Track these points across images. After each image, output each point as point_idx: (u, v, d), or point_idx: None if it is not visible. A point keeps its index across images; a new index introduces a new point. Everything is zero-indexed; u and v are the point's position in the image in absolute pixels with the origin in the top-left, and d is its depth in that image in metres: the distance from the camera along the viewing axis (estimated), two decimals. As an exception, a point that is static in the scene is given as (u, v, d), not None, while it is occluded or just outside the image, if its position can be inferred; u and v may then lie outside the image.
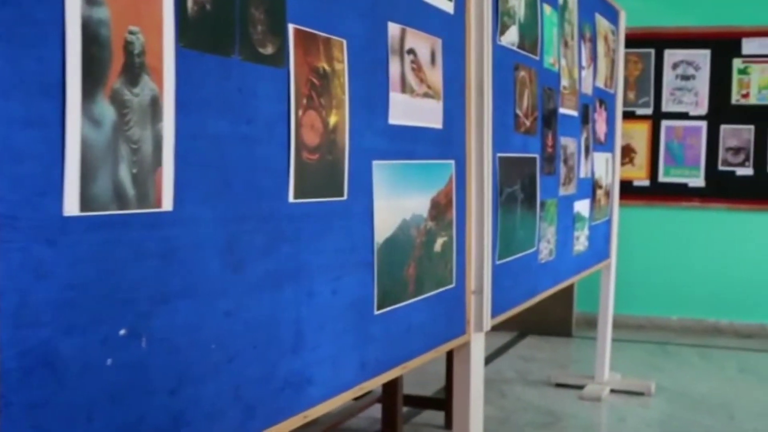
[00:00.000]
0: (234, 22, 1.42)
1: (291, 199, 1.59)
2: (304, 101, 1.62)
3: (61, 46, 1.08)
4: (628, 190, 6.00)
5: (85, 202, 1.13)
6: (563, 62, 3.33)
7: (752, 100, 5.98)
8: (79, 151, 1.11)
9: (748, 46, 5.97)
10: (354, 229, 1.81)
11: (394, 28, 1.95)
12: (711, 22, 6.01)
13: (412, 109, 2.05)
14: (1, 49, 1.00)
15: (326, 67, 1.69)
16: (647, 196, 6.21)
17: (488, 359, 5.19)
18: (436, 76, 2.17)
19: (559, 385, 4.63)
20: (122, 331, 1.20)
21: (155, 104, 1.25)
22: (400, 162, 2.00)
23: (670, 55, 6.12)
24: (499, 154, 2.61)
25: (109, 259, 1.18)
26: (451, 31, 2.26)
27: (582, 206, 3.74)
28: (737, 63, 6.00)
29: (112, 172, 1.17)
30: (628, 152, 6.18)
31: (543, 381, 4.72)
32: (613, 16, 4.26)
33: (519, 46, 2.80)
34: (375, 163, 1.88)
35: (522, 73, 2.83)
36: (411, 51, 2.04)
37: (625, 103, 6.03)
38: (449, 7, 2.24)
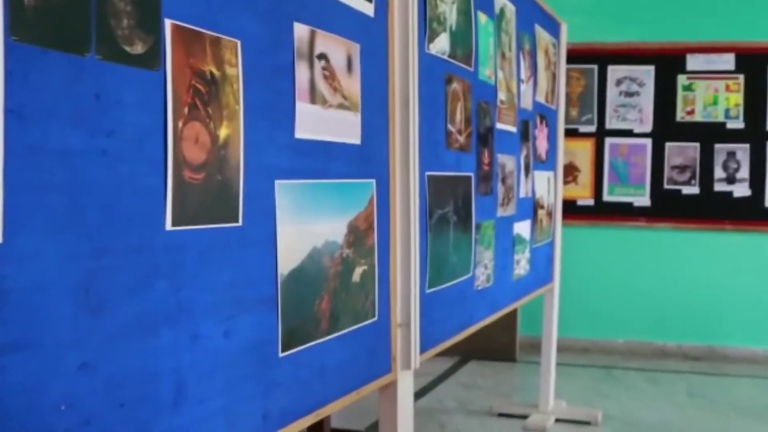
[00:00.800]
0: (90, 13, 1.17)
1: (168, 226, 1.34)
2: (186, 111, 1.37)
3: None
4: (572, 209, 5.84)
5: None
6: (500, 75, 3.12)
7: (697, 117, 5.85)
8: None
9: (693, 62, 5.85)
10: (251, 260, 1.56)
11: (301, 30, 1.71)
12: (655, 37, 5.88)
13: (325, 122, 1.82)
14: None
15: (215, 72, 1.45)
16: (592, 215, 6.04)
17: (428, 387, 4.96)
18: (353, 85, 1.94)
19: (501, 415, 4.40)
20: None
21: (-29, 111, 1.00)
22: (310, 181, 1.76)
23: (614, 72, 5.97)
24: (428, 173, 2.38)
25: None
26: (370, 35, 2.03)
27: (522, 228, 3.53)
28: (682, 79, 5.88)
29: None
30: (571, 171, 6.01)
31: (485, 411, 4.49)
32: (554, 29, 4.07)
33: (451, 56, 2.58)
34: (278, 182, 1.64)
35: (454, 85, 2.61)
36: (322, 56, 1.80)
37: (568, 120, 5.86)
38: (368, 9, 2.01)
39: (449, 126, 2.57)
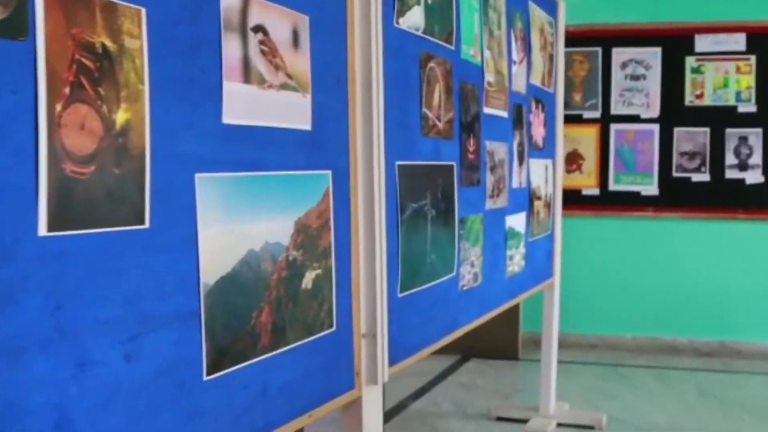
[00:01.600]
0: None
1: (42, 231, 1.10)
2: (67, 91, 1.13)
3: None
4: (576, 199, 5.59)
5: None
6: (488, 55, 2.86)
7: (707, 101, 5.57)
8: None
9: (702, 43, 5.56)
10: (162, 268, 1.31)
11: (228, -3, 1.46)
12: (661, 17, 5.59)
13: (263, 105, 1.57)
14: None
15: (109, 44, 1.20)
16: (597, 205, 5.77)
17: (424, 389, 4.71)
18: (301, 62, 1.69)
19: (500, 419, 4.15)
20: None
21: None
22: (243, 174, 1.51)
23: (619, 54, 5.69)
24: (398, 162, 2.13)
25: None
26: (323, 6, 1.78)
27: (516, 221, 3.27)
28: (690, 61, 5.59)
29: None
30: (575, 159, 5.74)
31: (483, 414, 4.24)
32: (550, 7, 3.80)
33: (427, 33, 2.32)
34: (199, 176, 1.39)
35: (431, 65, 2.35)
36: (259, 28, 1.55)
37: (572, 105, 5.62)
38: (319, -24, 1.76)
39: (425, 110, 2.32)
